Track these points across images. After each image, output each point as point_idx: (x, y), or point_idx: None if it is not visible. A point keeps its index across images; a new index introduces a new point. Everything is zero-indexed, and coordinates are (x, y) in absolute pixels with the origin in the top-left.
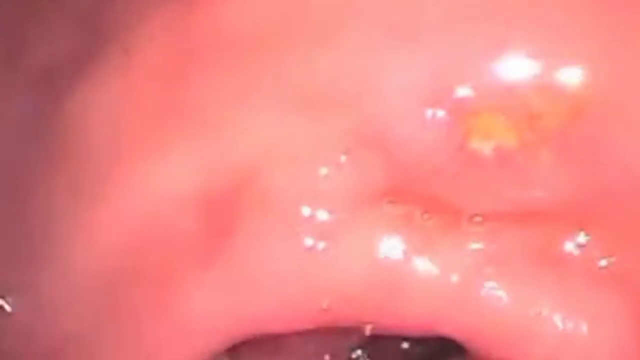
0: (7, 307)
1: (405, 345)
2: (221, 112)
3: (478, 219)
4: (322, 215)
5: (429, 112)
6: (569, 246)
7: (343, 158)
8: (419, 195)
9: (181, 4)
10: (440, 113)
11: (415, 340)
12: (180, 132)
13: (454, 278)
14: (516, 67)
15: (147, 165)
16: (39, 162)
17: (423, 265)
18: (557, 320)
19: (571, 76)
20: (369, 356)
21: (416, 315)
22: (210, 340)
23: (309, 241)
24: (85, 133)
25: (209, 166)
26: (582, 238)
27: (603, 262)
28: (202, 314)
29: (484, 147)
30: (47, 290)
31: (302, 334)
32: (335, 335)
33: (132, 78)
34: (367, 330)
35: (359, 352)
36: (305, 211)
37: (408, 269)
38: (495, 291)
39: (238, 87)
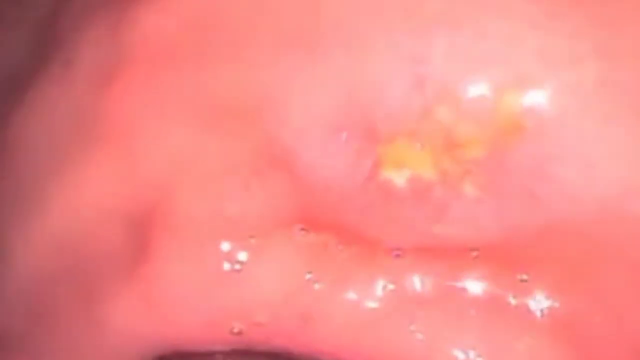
0: None
1: None
2: (140, 126)
3: (397, 252)
4: (232, 239)
5: (335, 137)
6: (502, 288)
7: (252, 180)
8: (332, 224)
9: (113, 15)
10: (348, 138)
11: None
12: (102, 145)
13: (371, 312)
14: (436, 88)
15: (75, 178)
16: None
17: (338, 296)
18: None
19: (501, 98)
20: None
21: (330, 347)
22: (134, 354)
23: (218, 265)
24: (26, 145)
25: (127, 182)
26: (517, 280)
27: (544, 307)
28: (126, 328)
29: (397, 177)
30: None
31: (228, 354)
32: (261, 357)
33: (68, 89)
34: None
35: None
36: (214, 235)
37: (322, 300)
38: (414, 329)
39: (156, 101)
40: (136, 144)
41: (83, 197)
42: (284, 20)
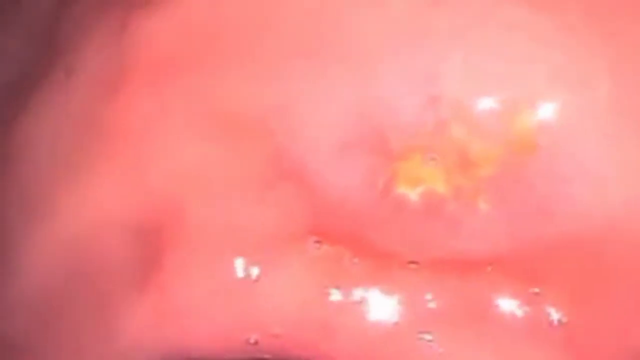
0: None
1: None
2: (147, 134)
3: (413, 266)
4: (247, 251)
5: (349, 151)
6: (513, 302)
7: (265, 192)
8: (347, 237)
9: (116, 24)
10: (362, 153)
11: None
12: (110, 155)
13: (386, 324)
14: (450, 105)
15: (80, 188)
16: None
17: (353, 308)
18: None
19: (514, 117)
20: None
21: (344, 358)
22: None
23: (233, 276)
24: (30, 152)
25: (136, 192)
26: (528, 294)
27: (553, 321)
28: (136, 336)
29: (411, 192)
30: None
31: None
32: None
33: (72, 97)
34: None
35: None
36: (229, 246)
37: (338, 311)
38: (430, 342)
39: (163, 109)
40: (143, 154)
41: (90, 205)
42: (296, 32)
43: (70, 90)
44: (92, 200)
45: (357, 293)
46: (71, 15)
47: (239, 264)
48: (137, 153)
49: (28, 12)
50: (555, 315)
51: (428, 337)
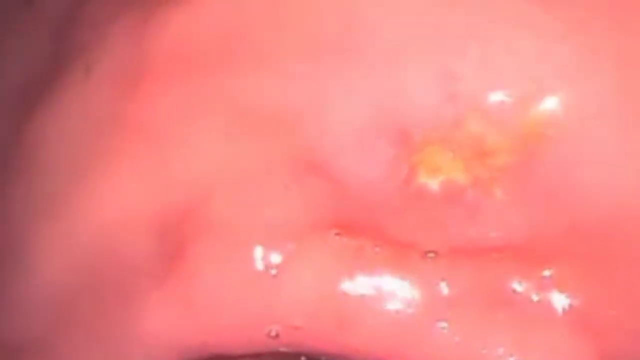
0: None
1: None
2: (169, 130)
3: (431, 255)
4: (269, 244)
5: (373, 144)
6: (528, 286)
7: (289, 185)
8: (368, 228)
9: (136, 21)
10: (385, 145)
11: None
12: (131, 151)
13: (405, 313)
14: (467, 100)
15: (100, 185)
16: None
17: (373, 299)
18: None
19: (526, 109)
20: None
21: (365, 349)
22: (165, 357)
23: (255, 269)
24: (47, 152)
25: (158, 187)
26: (542, 278)
27: (566, 304)
28: (157, 332)
29: (431, 182)
30: (6, 295)
31: (259, 356)
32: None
33: (89, 96)
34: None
35: None
36: (252, 238)
37: (358, 302)
38: (447, 329)
39: (186, 106)
40: (165, 150)
41: (111, 202)
42: (318, 30)
43: (89, 88)
44: (113, 198)
45: (377, 283)
46: (88, 13)
47: (260, 256)
48: (159, 149)
49: (42, 11)
50: (569, 299)
51: (444, 324)
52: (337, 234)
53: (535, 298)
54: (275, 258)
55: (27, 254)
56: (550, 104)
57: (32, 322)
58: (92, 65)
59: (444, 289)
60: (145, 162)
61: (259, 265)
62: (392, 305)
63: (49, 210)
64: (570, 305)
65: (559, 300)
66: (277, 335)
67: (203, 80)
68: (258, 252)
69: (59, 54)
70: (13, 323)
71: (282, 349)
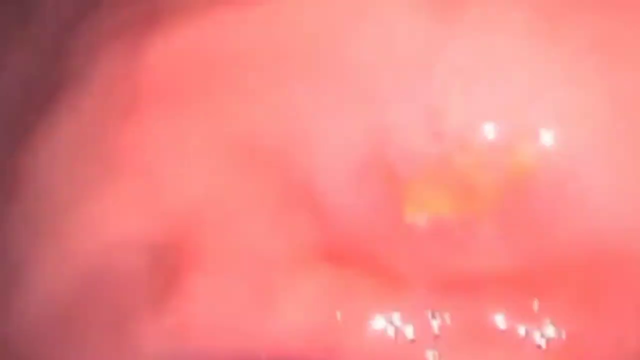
0: None
1: None
2: (157, 159)
3: (421, 288)
4: (260, 275)
5: (362, 179)
6: (515, 317)
7: (280, 217)
8: (358, 260)
9: (127, 46)
10: (373, 181)
11: None
12: (121, 179)
13: (395, 344)
14: (452, 138)
15: (94, 209)
16: None
17: (363, 329)
18: None
19: (514, 147)
20: None
21: None
22: None
23: (246, 299)
24: (41, 173)
25: (151, 212)
26: (529, 310)
27: (554, 335)
28: (151, 354)
29: (419, 217)
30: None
31: None
32: None
33: (83, 118)
34: None
35: None
36: (243, 269)
37: (347, 333)
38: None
39: (177, 134)
40: (156, 178)
41: (103, 227)
42: (308, 62)
43: (82, 113)
44: (107, 221)
45: (366, 314)
46: (80, 38)
47: (250, 287)
48: (150, 176)
49: (36, 32)
50: (556, 330)
51: (433, 354)
52: (326, 266)
53: (522, 329)
54: (266, 289)
55: (25, 275)
56: (537, 141)
57: (28, 341)
58: (83, 91)
59: (432, 320)
60: (137, 190)
61: (250, 295)
62: (382, 336)
63: (44, 233)
64: (558, 336)
65: (547, 332)
66: None
67: (192, 109)
68: (248, 282)
69: (51, 74)
70: (11, 338)
71: None
